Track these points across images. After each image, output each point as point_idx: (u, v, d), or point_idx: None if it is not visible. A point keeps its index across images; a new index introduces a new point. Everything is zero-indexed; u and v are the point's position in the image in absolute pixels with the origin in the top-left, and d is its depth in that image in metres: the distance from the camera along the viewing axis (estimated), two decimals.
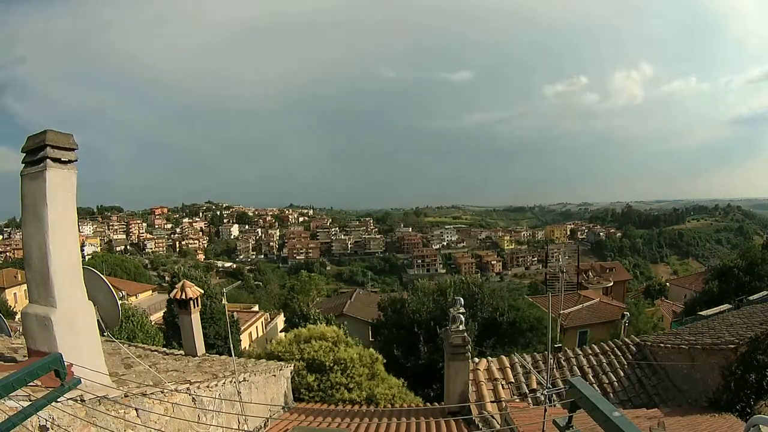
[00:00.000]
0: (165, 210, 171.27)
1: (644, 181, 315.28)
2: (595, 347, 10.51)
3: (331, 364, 11.35)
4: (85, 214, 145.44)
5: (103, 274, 5.03)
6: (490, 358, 10.27)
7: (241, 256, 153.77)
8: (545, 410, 3.21)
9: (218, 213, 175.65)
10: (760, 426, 3.09)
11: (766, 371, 7.85)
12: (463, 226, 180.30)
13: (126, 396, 3.88)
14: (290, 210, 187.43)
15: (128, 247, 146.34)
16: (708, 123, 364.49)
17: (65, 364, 3.05)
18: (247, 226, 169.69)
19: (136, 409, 3.97)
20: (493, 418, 7.29)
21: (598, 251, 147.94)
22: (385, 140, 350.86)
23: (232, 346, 8.15)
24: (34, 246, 3.60)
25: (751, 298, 16.26)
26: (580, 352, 10.30)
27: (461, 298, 9.14)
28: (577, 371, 9.62)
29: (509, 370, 9.49)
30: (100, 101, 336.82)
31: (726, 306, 16.36)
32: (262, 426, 7.20)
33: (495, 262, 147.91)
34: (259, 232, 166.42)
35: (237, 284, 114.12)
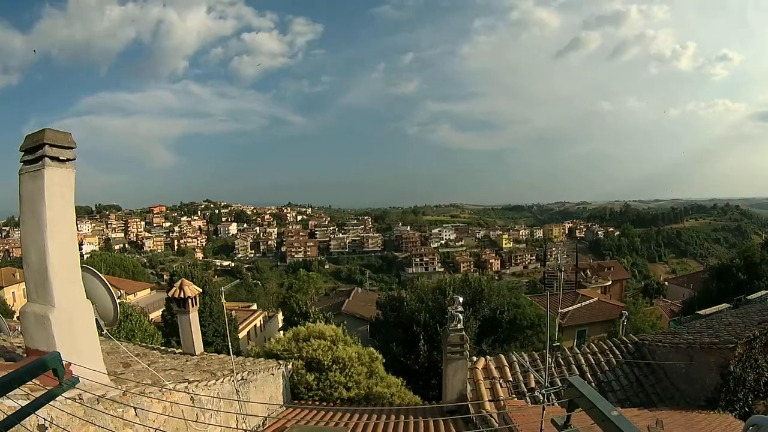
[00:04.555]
0: (163, 209, 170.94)
1: (642, 180, 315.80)
2: (594, 346, 10.52)
3: (330, 363, 11.34)
4: (83, 213, 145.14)
5: (101, 272, 5.02)
6: (488, 356, 10.29)
7: (240, 255, 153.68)
8: (543, 409, 3.21)
9: (216, 212, 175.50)
10: (759, 425, 3.09)
11: (765, 371, 7.88)
12: (462, 224, 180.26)
13: (124, 395, 3.88)
14: (289, 208, 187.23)
15: (126, 245, 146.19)
16: (707, 121, 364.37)
17: (63, 363, 3.06)
18: (245, 225, 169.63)
19: (135, 408, 3.97)
20: (491, 417, 7.30)
21: (597, 250, 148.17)
22: (386, 140, 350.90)
23: (230, 344, 8.15)
24: (32, 245, 3.60)
25: (749, 297, 16.31)
26: (579, 351, 10.31)
27: (460, 297, 9.15)
28: (576, 370, 9.63)
29: (507, 369, 9.49)
30: None
31: (724, 305, 16.40)
32: (261, 425, 7.20)
33: (493, 260, 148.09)
34: (258, 231, 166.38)
35: (236, 283, 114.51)
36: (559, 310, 24.96)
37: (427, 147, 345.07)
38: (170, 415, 4.58)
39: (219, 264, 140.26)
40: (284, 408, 9.35)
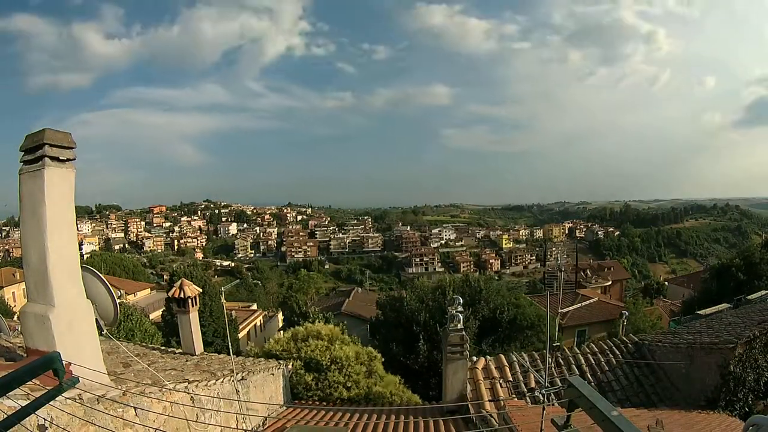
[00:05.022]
0: (163, 209, 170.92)
1: (643, 180, 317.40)
2: (594, 346, 10.52)
3: (329, 363, 11.34)
4: (83, 213, 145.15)
5: (101, 272, 5.02)
6: (488, 356, 10.28)
7: (240, 255, 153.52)
8: (543, 409, 3.21)
9: (216, 212, 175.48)
10: (759, 425, 3.09)
11: (765, 371, 7.88)
12: (462, 224, 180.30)
13: (124, 395, 3.88)
14: (289, 208, 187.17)
15: (126, 245, 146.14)
16: (709, 121, 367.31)
17: (63, 363, 3.05)
18: (245, 225, 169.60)
19: (135, 408, 3.97)
20: (491, 417, 7.30)
21: (597, 250, 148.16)
22: (386, 139, 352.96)
23: (230, 344, 8.14)
24: (32, 245, 3.59)
25: (749, 297, 16.29)
26: (579, 351, 10.31)
27: (460, 297, 9.15)
28: (576, 370, 9.63)
29: (507, 369, 9.49)
30: None
31: (724, 305, 16.38)
32: (261, 425, 7.20)
33: (493, 260, 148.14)
34: (258, 231, 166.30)
35: (235, 283, 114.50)
36: (559, 310, 24.95)
37: (443, 148, 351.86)
38: (170, 415, 4.58)
39: (219, 264, 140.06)
40: (284, 408, 9.35)
